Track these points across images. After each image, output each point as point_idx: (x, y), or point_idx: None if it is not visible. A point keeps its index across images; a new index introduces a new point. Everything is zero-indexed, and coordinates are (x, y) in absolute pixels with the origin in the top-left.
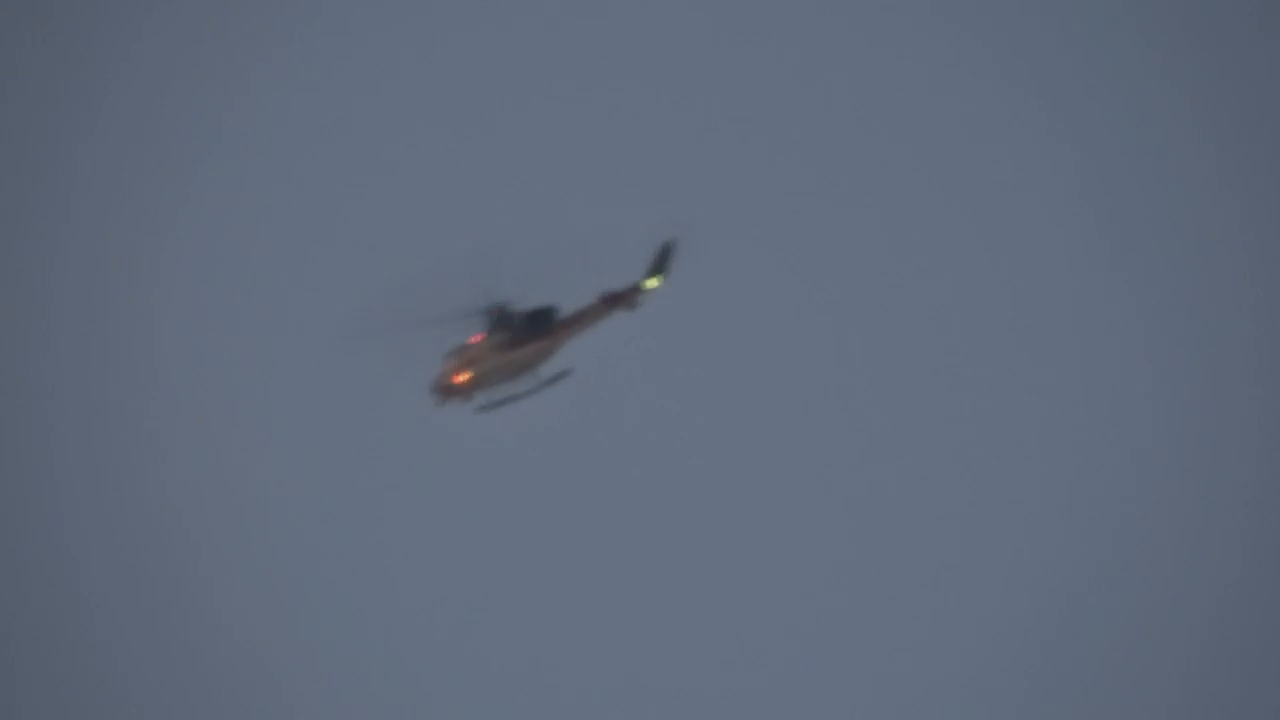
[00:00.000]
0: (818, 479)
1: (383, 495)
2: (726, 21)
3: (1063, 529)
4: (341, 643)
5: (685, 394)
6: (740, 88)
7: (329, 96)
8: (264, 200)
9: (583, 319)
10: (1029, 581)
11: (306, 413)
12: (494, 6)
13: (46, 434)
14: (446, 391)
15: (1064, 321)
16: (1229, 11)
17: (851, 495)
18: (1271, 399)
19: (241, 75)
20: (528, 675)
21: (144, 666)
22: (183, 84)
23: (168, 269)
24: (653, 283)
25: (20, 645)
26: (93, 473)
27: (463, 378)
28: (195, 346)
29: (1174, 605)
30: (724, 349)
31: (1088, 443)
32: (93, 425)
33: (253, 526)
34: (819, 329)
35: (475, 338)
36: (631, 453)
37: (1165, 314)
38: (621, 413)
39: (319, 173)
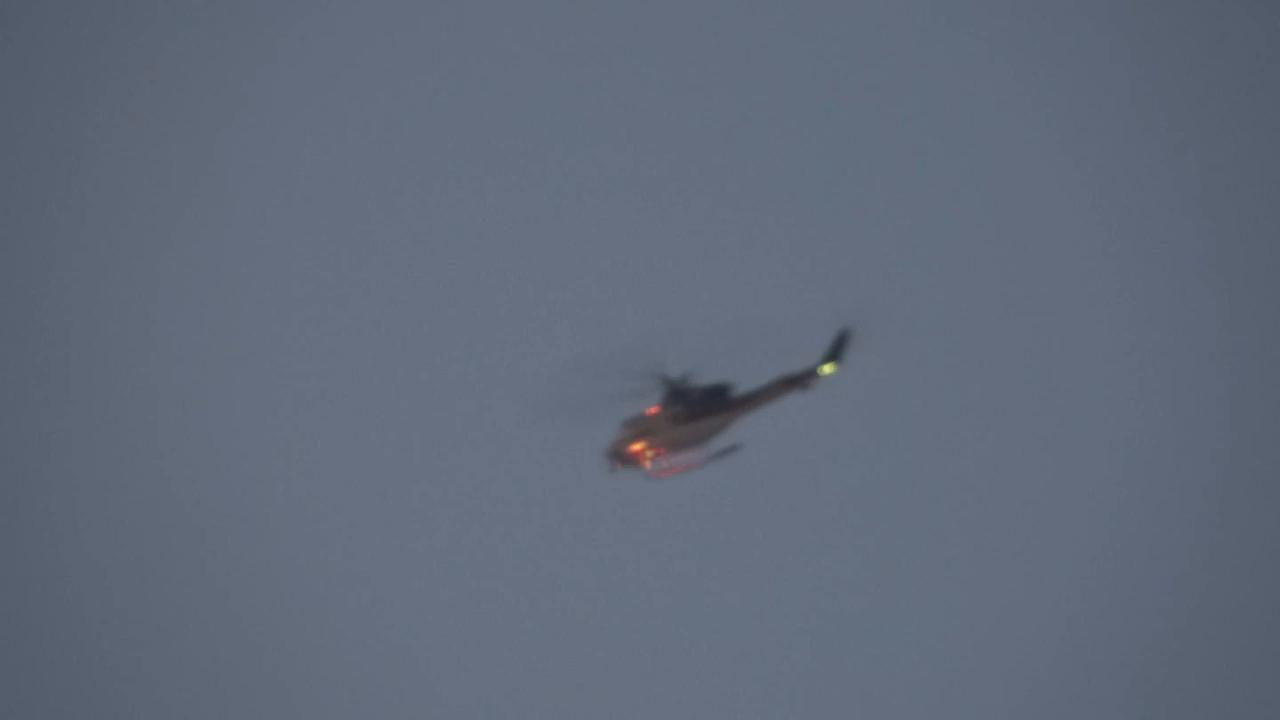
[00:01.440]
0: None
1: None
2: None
3: (1066, 534)
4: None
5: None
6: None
7: (509, 173)
8: (459, 275)
9: (758, 398)
10: (1032, 587)
11: (492, 469)
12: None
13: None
14: (621, 458)
15: (1069, 324)
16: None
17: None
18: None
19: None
20: None
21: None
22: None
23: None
24: (828, 369)
25: (19, 646)
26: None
27: (638, 447)
28: (390, 418)
29: (1176, 608)
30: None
31: (1089, 446)
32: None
33: (443, 589)
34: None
35: (652, 409)
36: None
37: (1167, 317)
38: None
39: (510, 246)
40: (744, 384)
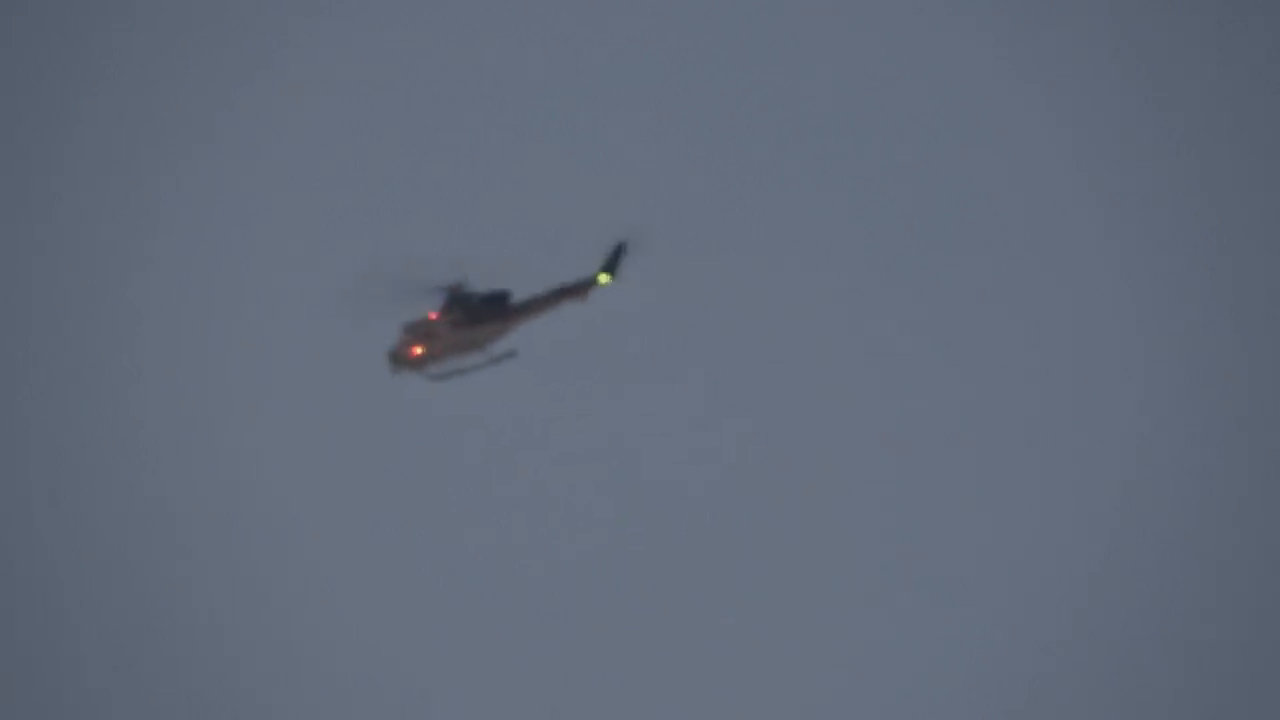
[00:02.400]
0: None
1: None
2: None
3: (1064, 532)
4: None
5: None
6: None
7: (308, 85)
8: (241, 183)
9: (535, 306)
10: (1029, 586)
11: (274, 377)
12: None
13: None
14: (402, 361)
15: (1064, 322)
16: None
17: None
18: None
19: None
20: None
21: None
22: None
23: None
24: (604, 279)
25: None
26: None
27: (418, 350)
28: (165, 319)
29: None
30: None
31: (1089, 444)
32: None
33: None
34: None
35: (432, 314)
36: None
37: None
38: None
39: (295, 157)
40: (522, 291)
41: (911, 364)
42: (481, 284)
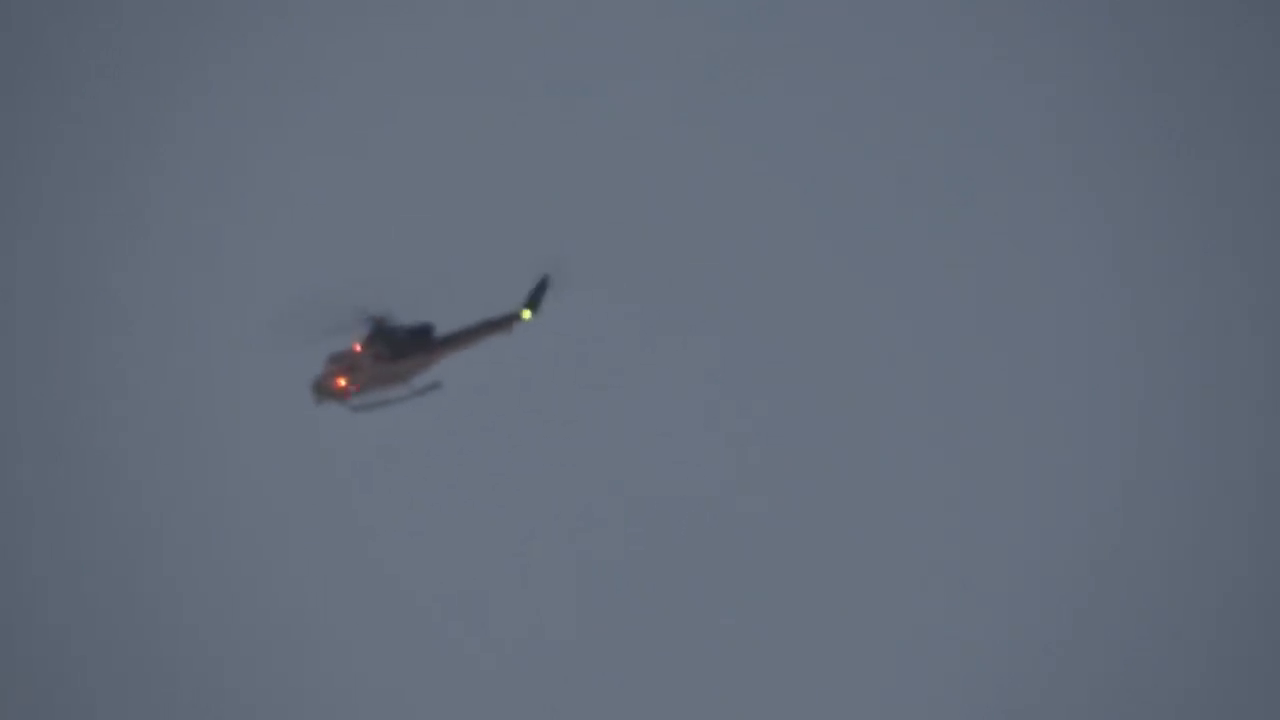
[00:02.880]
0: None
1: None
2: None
3: (1060, 531)
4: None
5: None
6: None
7: (241, 113)
8: (167, 212)
9: (459, 340)
10: (1027, 584)
11: (202, 399)
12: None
13: None
14: (325, 392)
15: (1064, 322)
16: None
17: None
18: (1271, 400)
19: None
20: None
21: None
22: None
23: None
24: (527, 314)
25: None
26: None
27: (342, 382)
28: (87, 348)
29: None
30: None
31: (1086, 444)
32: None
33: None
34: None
35: (357, 346)
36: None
37: (1164, 315)
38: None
39: (220, 188)
40: (447, 325)
41: (911, 365)
42: (406, 317)
